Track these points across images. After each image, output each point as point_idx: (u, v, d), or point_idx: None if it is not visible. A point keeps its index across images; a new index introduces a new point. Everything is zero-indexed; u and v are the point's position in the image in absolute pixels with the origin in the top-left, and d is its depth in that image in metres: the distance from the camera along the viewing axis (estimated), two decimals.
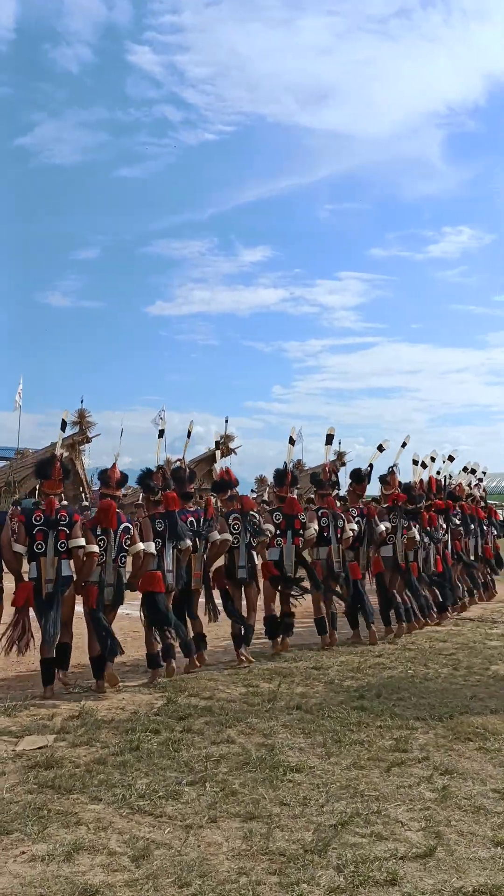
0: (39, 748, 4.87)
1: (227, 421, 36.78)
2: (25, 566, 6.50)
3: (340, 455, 36.00)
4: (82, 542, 6.54)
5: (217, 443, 10.83)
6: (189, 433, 8.62)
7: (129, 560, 6.87)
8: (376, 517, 9.14)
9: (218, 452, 10.09)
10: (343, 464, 33.52)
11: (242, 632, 7.58)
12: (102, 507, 6.78)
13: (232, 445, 36.97)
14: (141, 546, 6.86)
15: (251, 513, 8.05)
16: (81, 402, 32.73)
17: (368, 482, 9.65)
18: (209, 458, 37.19)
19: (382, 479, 9.68)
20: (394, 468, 9.71)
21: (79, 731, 5.19)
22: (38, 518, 6.47)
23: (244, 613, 7.80)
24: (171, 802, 3.96)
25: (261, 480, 33.02)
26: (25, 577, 6.46)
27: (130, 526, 6.89)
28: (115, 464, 7.20)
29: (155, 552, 6.96)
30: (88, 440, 32.06)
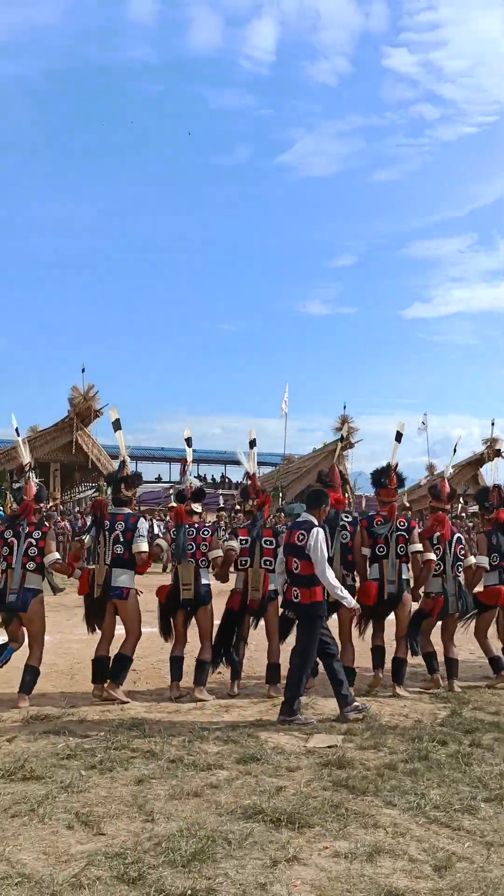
0: (329, 747, 5.03)
1: (493, 423, 35.35)
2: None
3: None
4: (419, 547, 6.77)
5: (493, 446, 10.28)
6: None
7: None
8: None
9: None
10: None
11: None
12: (437, 520, 6.98)
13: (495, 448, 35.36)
14: (472, 559, 7.04)
15: None
16: (344, 407, 33.32)
17: None
18: (474, 463, 36.00)
19: None
20: None
21: (365, 735, 5.29)
22: (378, 523, 6.83)
23: None
24: (468, 817, 3.89)
25: None
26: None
27: (462, 537, 7.06)
28: (444, 479, 7.40)
29: (488, 566, 7.08)
30: (352, 445, 32.52)
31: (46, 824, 3.71)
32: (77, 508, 27.70)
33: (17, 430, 7.50)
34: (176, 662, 6.65)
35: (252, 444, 7.30)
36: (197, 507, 6.95)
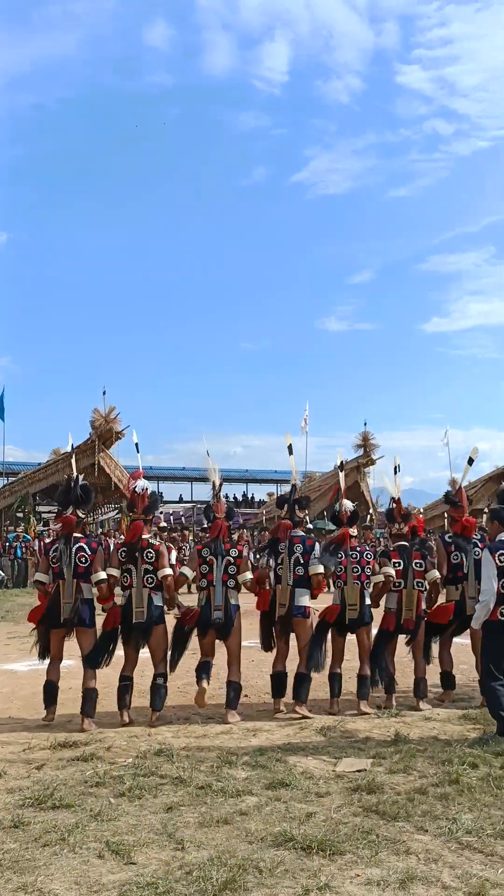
0: (358, 771, 4.99)
1: None
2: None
3: None
4: None
5: None
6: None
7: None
8: None
9: None
10: None
11: None
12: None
13: None
14: None
15: None
16: (364, 424, 33.16)
17: None
18: (496, 477, 35.68)
19: None
20: None
21: (394, 758, 5.24)
22: None
23: None
24: (501, 842, 3.84)
25: None
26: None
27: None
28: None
29: None
30: (373, 462, 32.35)
31: (77, 853, 3.72)
32: (100, 530, 27.75)
33: (207, 452, 7.53)
34: (335, 678, 6.90)
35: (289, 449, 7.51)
36: (353, 531, 7.20)
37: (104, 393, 28.49)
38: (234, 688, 6.55)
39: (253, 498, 43.56)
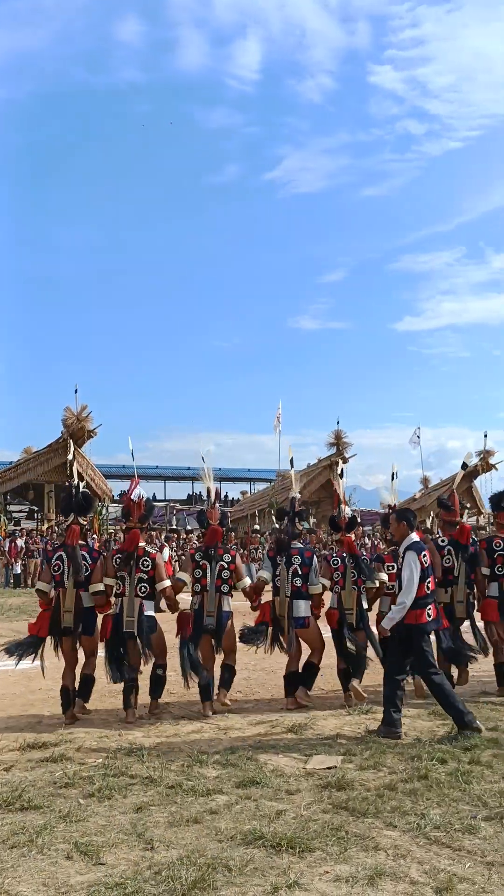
0: (328, 768, 5.01)
1: (485, 435, 35.45)
2: None
3: None
4: None
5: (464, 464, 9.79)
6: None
7: None
8: None
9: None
10: None
11: None
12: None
13: (492, 461, 35.47)
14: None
15: None
16: (337, 423, 33.34)
17: None
18: (468, 475, 36.01)
19: None
20: None
21: (364, 755, 5.27)
22: (498, 545, 7.28)
23: None
24: (468, 837, 3.88)
25: None
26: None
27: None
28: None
29: None
30: (345, 460, 32.50)
31: (45, 855, 3.69)
32: None
33: (202, 457, 7.65)
34: (343, 675, 7.03)
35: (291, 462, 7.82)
36: (351, 537, 7.33)
37: (76, 391, 28.34)
38: (228, 669, 6.68)
39: (227, 496, 43.52)
